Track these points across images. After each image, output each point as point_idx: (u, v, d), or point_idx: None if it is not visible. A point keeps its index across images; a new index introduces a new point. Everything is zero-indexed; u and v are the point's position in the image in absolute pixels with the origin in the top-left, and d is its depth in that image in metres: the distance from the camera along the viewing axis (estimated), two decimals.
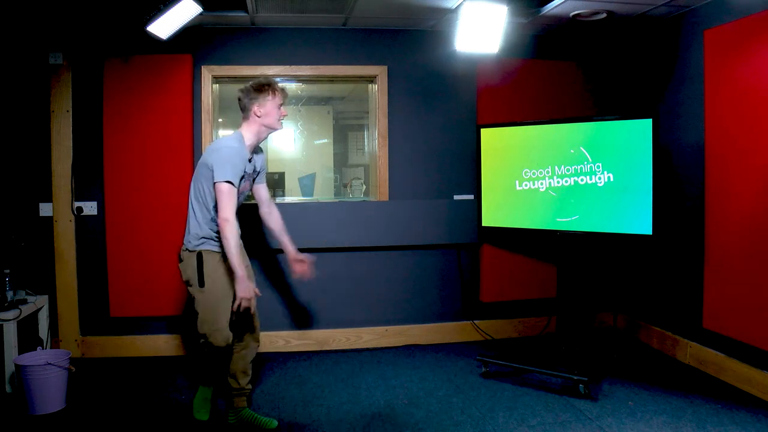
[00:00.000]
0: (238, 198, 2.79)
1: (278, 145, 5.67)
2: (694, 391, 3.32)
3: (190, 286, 2.85)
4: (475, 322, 4.39)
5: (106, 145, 3.88)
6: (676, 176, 3.84)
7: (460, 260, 4.36)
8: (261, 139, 2.89)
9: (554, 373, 3.36)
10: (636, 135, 3.31)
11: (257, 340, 3.03)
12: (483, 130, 3.94)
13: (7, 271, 3.39)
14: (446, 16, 3.85)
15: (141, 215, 3.90)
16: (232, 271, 2.71)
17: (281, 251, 3.09)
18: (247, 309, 2.72)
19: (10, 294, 3.39)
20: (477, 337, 4.38)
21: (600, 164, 3.46)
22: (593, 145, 3.48)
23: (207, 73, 3.99)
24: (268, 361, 3.92)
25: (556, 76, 4.31)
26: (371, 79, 4.28)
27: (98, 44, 3.88)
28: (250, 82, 2.85)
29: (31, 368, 3.06)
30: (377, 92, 4.20)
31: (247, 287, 2.67)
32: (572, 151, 3.56)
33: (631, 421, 2.95)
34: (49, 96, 3.86)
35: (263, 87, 2.81)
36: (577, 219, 3.57)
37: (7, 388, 3.36)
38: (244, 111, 2.84)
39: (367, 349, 4.21)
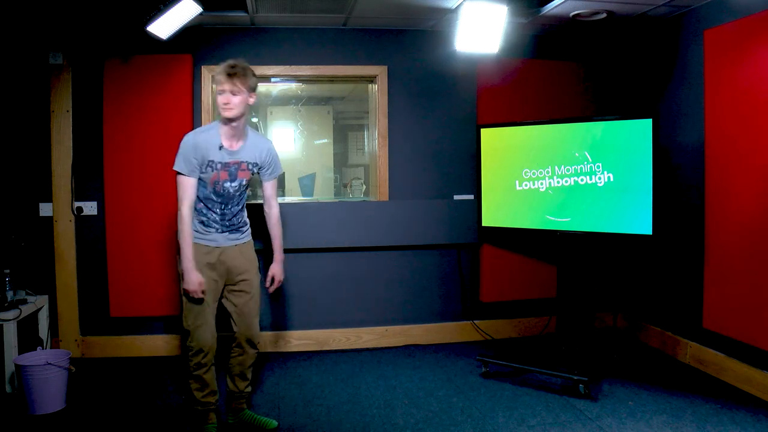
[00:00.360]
0: (222, 189, 2.71)
1: (278, 145, 5.66)
2: (694, 391, 3.32)
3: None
4: (475, 322, 4.39)
5: (106, 145, 3.89)
6: (676, 176, 3.84)
7: (460, 260, 4.36)
8: (228, 126, 2.68)
9: (554, 373, 3.36)
10: (636, 135, 3.31)
11: (254, 347, 2.90)
12: (483, 130, 3.95)
13: (7, 271, 3.39)
14: (446, 16, 3.85)
15: (141, 215, 3.90)
16: (214, 265, 2.73)
17: (284, 251, 3.05)
18: (245, 310, 2.71)
19: (10, 294, 3.39)
20: (477, 337, 4.38)
21: (600, 164, 3.46)
22: (593, 145, 3.48)
23: (207, 73, 3.99)
24: (268, 361, 3.92)
25: (556, 76, 4.31)
26: (371, 79, 4.28)
27: (98, 44, 3.88)
28: None
29: (31, 368, 3.06)
30: (377, 92, 4.20)
31: (189, 280, 2.62)
32: (572, 151, 3.56)
33: (631, 421, 2.95)
34: (49, 96, 3.86)
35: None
36: (577, 219, 3.57)
37: (7, 388, 3.36)
38: None
39: (367, 349, 4.21)
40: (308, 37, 4.11)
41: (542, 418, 3.02)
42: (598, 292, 4.55)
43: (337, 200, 4.56)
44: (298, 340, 4.19)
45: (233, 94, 2.60)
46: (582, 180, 3.53)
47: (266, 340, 4.07)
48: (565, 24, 4.00)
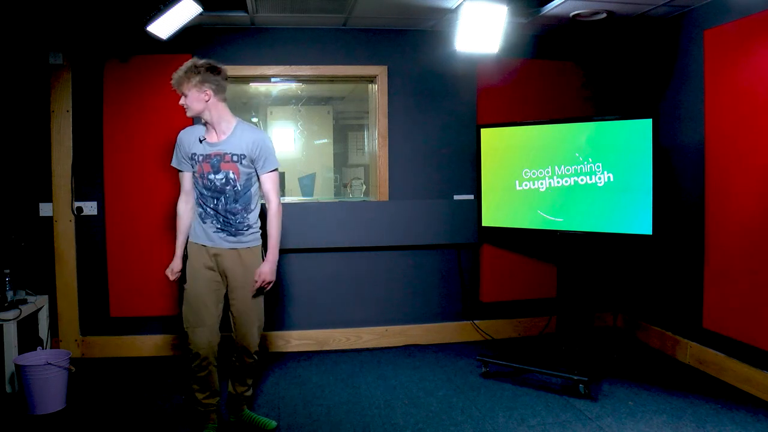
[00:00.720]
0: (208, 182, 2.72)
1: (278, 145, 5.67)
2: (694, 391, 3.32)
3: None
4: (475, 322, 4.39)
5: (106, 145, 3.89)
6: (676, 176, 3.84)
7: (460, 260, 4.36)
8: (205, 123, 2.79)
9: (554, 373, 3.36)
10: (636, 135, 3.31)
11: (250, 356, 2.82)
12: (483, 130, 3.95)
13: (7, 271, 3.40)
14: (446, 16, 3.85)
15: (141, 215, 3.90)
16: (213, 266, 2.75)
17: (284, 251, 3.05)
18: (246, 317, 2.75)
19: (10, 294, 3.39)
20: (477, 337, 4.38)
21: (600, 164, 3.46)
22: (593, 145, 3.48)
23: None
24: (267, 361, 3.92)
25: (556, 76, 4.31)
26: (371, 79, 4.28)
27: (98, 44, 3.88)
28: None
29: (31, 368, 3.06)
30: (377, 92, 4.20)
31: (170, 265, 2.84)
32: (572, 151, 3.56)
33: (631, 421, 2.95)
34: (49, 96, 3.86)
35: None
36: (577, 219, 3.57)
37: (7, 388, 3.36)
38: None
39: (367, 349, 4.21)
40: (308, 37, 4.11)
41: (542, 418, 3.02)
42: (598, 292, 4.55)
43: (337, 200, 4.56)
44: (298, 340, 4.19)
45: (184, 97, 2.76)
46: (582, 180, 3.53)
47: (266, 340, 4.07)
48: (565, 24, 4.00)
